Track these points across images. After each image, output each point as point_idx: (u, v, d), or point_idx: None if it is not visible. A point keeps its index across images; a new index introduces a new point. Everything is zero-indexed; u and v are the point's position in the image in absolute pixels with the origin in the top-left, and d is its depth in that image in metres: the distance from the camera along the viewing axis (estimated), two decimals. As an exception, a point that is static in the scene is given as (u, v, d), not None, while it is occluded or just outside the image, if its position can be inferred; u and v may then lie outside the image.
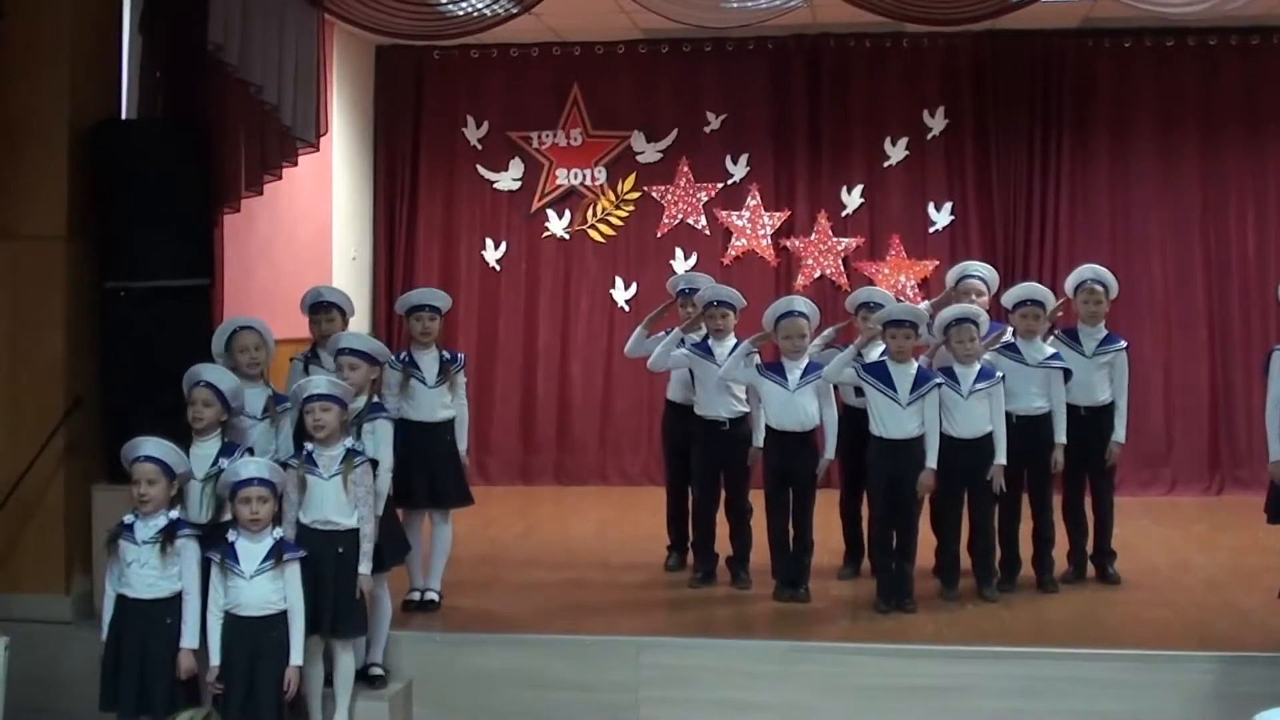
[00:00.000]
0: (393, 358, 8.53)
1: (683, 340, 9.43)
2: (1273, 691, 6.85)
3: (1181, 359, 13.37)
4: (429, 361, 8.70)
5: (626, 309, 13.69)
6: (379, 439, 7.76)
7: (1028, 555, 9.33)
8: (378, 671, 7.84)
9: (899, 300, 10.54)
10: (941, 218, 13.58)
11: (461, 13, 9.15)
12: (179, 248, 8.70)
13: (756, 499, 9.24)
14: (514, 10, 9.03)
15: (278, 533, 7.03)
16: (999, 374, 8.87)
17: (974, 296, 9.40)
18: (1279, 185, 13.36)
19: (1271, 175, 13.37)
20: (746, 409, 9.27)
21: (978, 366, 8.82)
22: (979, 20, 9.29)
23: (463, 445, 8.84)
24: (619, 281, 13.88)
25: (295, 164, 9.69)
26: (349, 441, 7.37)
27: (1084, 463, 9.39)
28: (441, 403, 8.68)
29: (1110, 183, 13.50)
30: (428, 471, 8.40)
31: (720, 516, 9.43)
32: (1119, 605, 9.04)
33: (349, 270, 13.36)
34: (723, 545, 9.45)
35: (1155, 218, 13.43)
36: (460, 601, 8.94)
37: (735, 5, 9.24)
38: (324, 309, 8.69)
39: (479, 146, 14.06)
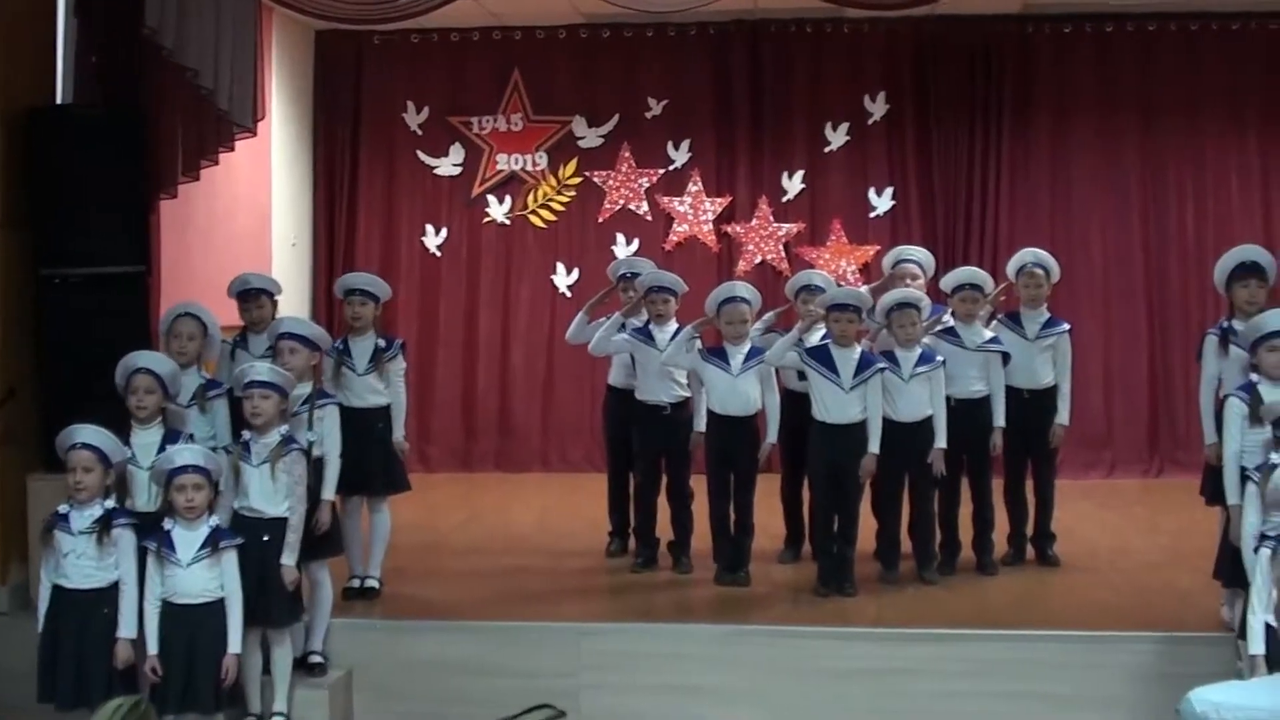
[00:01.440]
0: (332, 343, 8.49)
1: (624, 325, 9.42)
2: (1210, 670, 6.89)
3: (1121, 342, 13.47)
4: (362, 348, 8.66)
5: (568, 295, 13.63)
6: (327, 426, 7.75)
7: (968, 538, 9.37)
8: (317, 659, 7.81)
9: (839, 285, 10.56)
10: (882, 203, 13.60)
11: (401, -4, 9.09)
12: (115, 234, 8.60)
13: (698, 484, 9.24)
14: (454, -6, 8.98)
15: (214, 520, 6.97)
16: (939, 358, 8.90)
17: (909, 281, 9.44)
18: (1217, 171, 13.47)
19: (1210, 161, 13.47)
20: (688, 394, 9.27)
21: (918, 350, 8.84)
22: (919, 5, 9.30)
23: (398, 433, 8.78)
24: (560, 267, 13.83)
25: (232, 149, 9.62)
26: (284, 429, 7.31)
27: (1026, 446, 9.45)
28: (372, 389, 8.64)
29: (1050, 167, 13.57)
30: (359, 458, 8.26)
31: (662, 501, 9.44)
32: (1059, 587, 9.11)
33: (288, 256, 13.27)
34: (664, 530, 9.46)
35: (1095, 202, 13.51)
36: (401, 589, 8.91)
37: (676, -10, 9.21)
38: (252, 295, 8.68)
39: (419, 132, 13.99)
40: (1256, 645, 6.42)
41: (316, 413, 7.69)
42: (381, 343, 8.76)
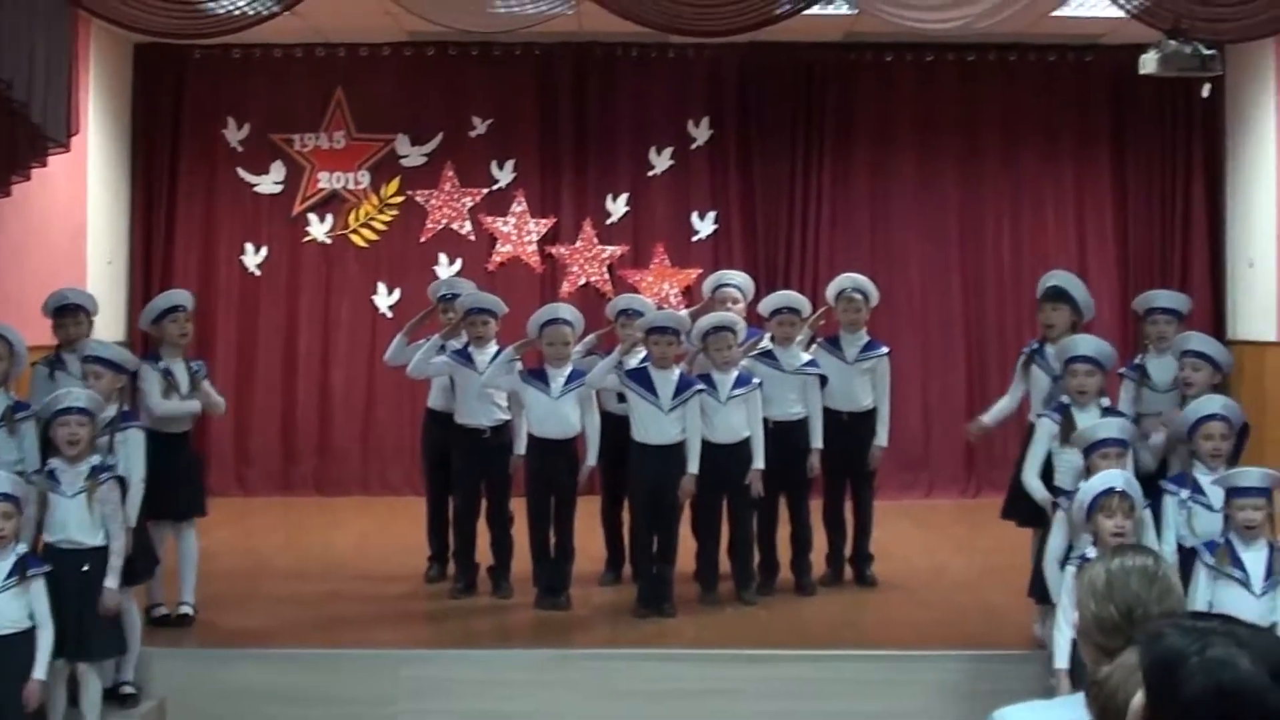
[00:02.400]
0: (141, 365, 8.32)
1: (443, 347, 9.35)
2: (1024, 687, 6.99)
3: (939, 365, 13.71)
4: (181, 370, 8.52)
5: (389, 315, 13.50)
6: (130, 449, 7.58)
7: (786, 559, 9.45)
8: (129, 690, 7.62)
9: (660, 308, 10.61)
10: (705, 226, 13.70)
11: (222, 10, 8.96)
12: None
13: (518, 507, 9.19)
14: (275, 9, 8.86)
15: (21, 548, 6.76)
16: (756, 380, 8.96)
17: (729, 305, 9.50)
18: (1033, 197, 13.78)
19: (1026, 187, 13.79)
20: (508, 416, 9.23)
21: (735, 373, 8.90)
22: (742, 32, 9.38)
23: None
24: (381, 287, 13.72)
25: (45, 164, 9.41)
26: (95, 458, 7.13)
27: (845, 467, 9.58)
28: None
29: (870, 193, 13.78)
30: (166, 482, 8.07)
31: (481, 525, 9.38)
32: (875, 607, 9.24)
33: (104, 275, 12.97)
34: (484, 555, 9.40)
35: (914, 227, 13.75)
36: (217, 616, 8.76)
37: (501, 10, 9.20)
38: (69, 311, 8.48)
39: (240, 149, 13.79)
40: (1061, 660, 6.57)
41: (118, 436, 7.51)
42: (191, 363, 8.65)
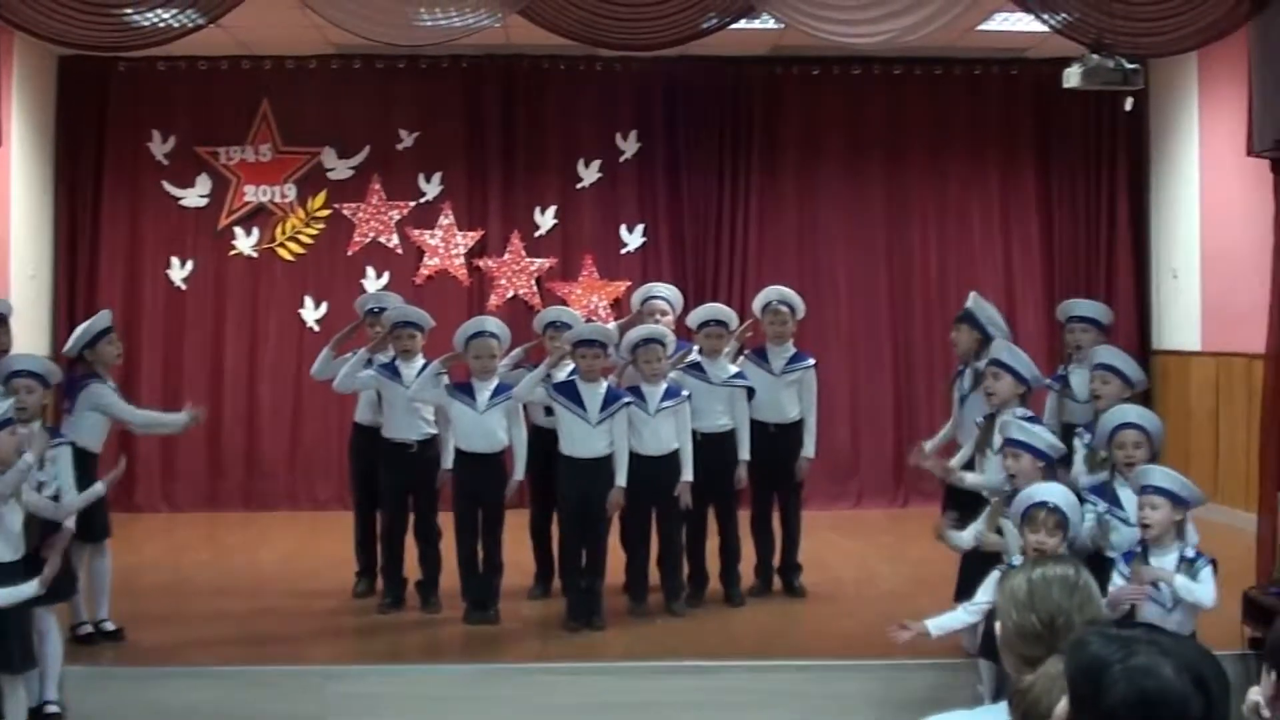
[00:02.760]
0: (91, 384, 8.28)
1: (370, 361, 9.30)
2: (952, 695, 7.07)
3: (867, 376, 13.78)
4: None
5: (316, 329, 13.43)
6: (61, 467, 7.51)
7: (715, 570, 9.46)
8: (53, 709, 7.48)
9: (589, 320, 10.61)
10: (633, 239, 13.73)
11: (147, 23, 8.83)
12: None
13: (446, 521, 9.16)
14: (201, 22, 8.77)
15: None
16: (685, 393, 8.98)
17: (658, 317, 9.52)
18: (959, 210, 13.90)
19: (952, 201, 13.90)
20: (435, 430, 9.21)
21: (664, 386, 8.90)
22: (669, 46, 9.38)
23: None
24: (309, 301, 13.65)
25: (-36, 178, 9.32)
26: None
27: (773, 478, 9.60)
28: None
29: (798, 206, 13.85)
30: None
31: (409, 540, 9.33)
32: (804, 617, 9.27)
33: (27, 288, 12.82)
34: (412, 569, 9.35)
35: (841, 239, 13.83)
36: (142, 634, 8.65)
37: (428, 23, 9.13)
38: None
39: (165, 162, 13.68)
40: (934, 628, 6.81)
41: (49, 453, 7.43)
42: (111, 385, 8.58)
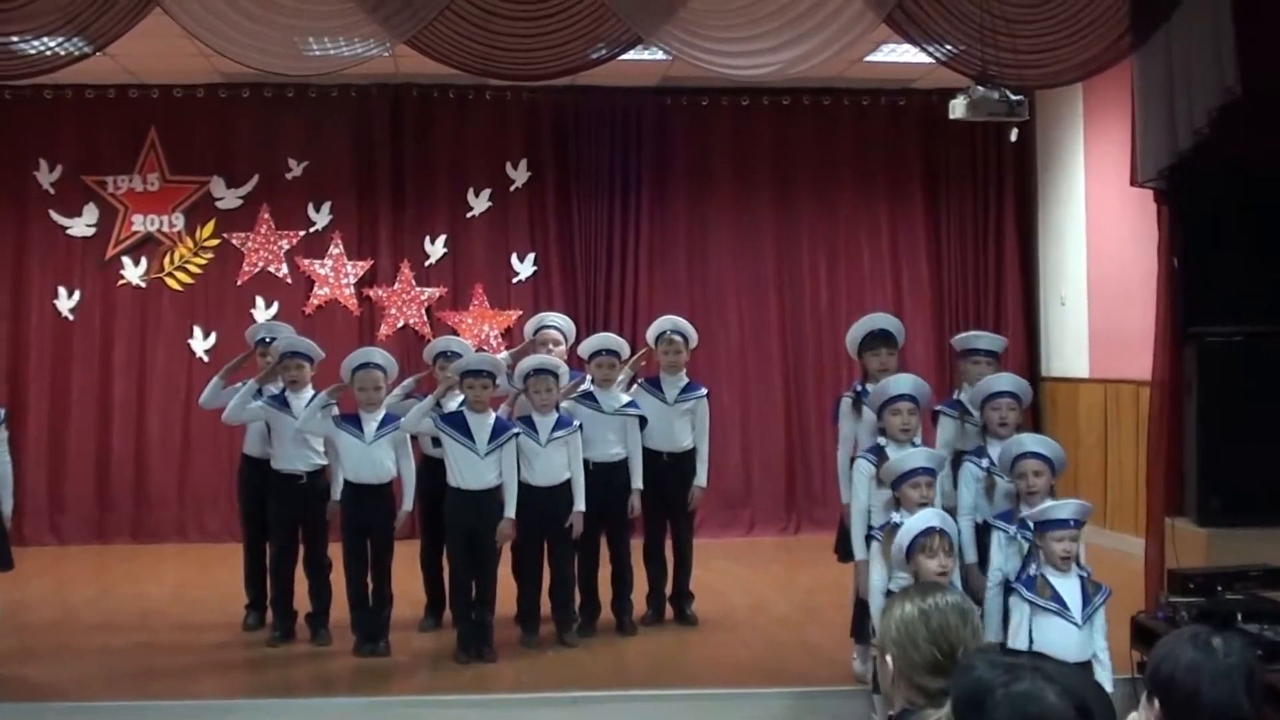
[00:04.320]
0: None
1: (259, 391, 9.23)
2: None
3: (758, 405, 13.85)
4: None
5: (206, 359, 13.28)
6: None
7: (607, 599, 9.45)
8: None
9: (480, 350, 10.58)
10: (525, 268, 13.72)
11: (33, 51, 8.71)
12: None
13: (335, 553, 9.10)
14: (88, 50, 8.66)
15: None
16: (576, 422, 8.98)
17: (551, 346, 9.52)
18: (848, 240, 14.03)
19: (841, 230, 14.03)
20: (324, 462, 9.14)
21: (555, 415, 8.89)
22: (558, 76, 9.39)
23: (8, 506, 8.44)
24: (198, 331, 13.51)
25: None
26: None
27: (665, 506, 9.61)
28: None
29: (688, 235, 13.91)
30: None
31: (299, 572, 9.26)
32: (697, 646, 9.25)
33: (-92, 320, 12.66)
34: (301, 602, 9.27)
35: (732, 269, 13.90)
36: (24, 670, 8.54)
37: (316, 52, 9.09)
38: None
39: (51, 190, 13.50)
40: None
41: None
42: None
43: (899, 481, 7.12)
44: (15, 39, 8.49)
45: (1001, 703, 2.65)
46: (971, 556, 7.45)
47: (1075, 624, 6.51)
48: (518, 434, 8.71)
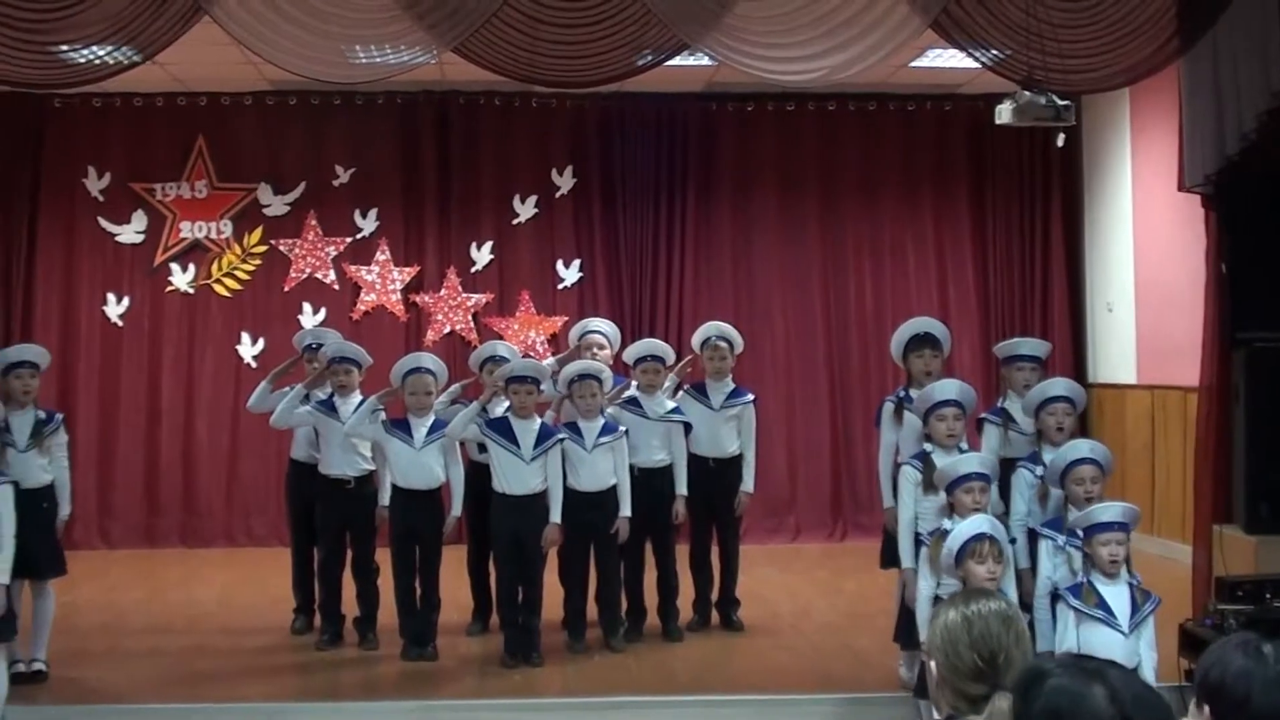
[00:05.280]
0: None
1: (307, 397, 9.29)
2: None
3: (804, 411, 13.83)
4: (22, 423, 8.36)
5: (253, 365, 13.38)
6: (1, 506, 7.42)
7: (653, 605, 9.46)
8: (-9, 749, 7.46)
9: (526, 356, 10.61)
10: (570, 274, 13.75)
11: (82, 60, 8.77)
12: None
13: (383, 557, 9.14)
14: (137, 59, 8.71)
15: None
16: (622, 428, 8.99)
17: (596, 351, 9.54)
18: (894, 246, 13.99)
19: (887, 236, 14.00)
20: (372, 467, 9.20)
21: (601, 421, 8.91)
22: (604, 83, 9.41)
23: (64, 510, 8.50)
24: (245, 337, 13.60)
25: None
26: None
27: (711, 513, 9.61)
28: (36, 466, 8.35)
29: (733, 240, 13.91)
30: (24, 539, 7.87)
31: (347, 576, 9.31)
32: (742, 652, 9.25)
33: (-40, 326, 12.78)
34: (349, 606, 9.32)
35: (777, 274, 13.89)
36: (76, 672, 8.60)
37: (363, 60, 9.13)
38: None
39: (101, 198, 13.62)
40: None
41: None
42: (41, 414, 8.50)
43: (953, 486, 7.10)
44: (65, 48, 8.55)
45: (1048, 691, 2.68)
46: (1025, 563, 7.40)
47: (1121, 632, 6.46)
48: (563, 439, 8.74)
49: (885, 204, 14.05)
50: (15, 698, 7.89)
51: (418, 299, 13.68)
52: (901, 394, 8.51)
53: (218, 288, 13.65)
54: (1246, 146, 8.26)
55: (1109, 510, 6.67)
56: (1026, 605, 6.87)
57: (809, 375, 13.90)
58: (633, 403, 9.32)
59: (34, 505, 8.12)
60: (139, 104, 13.56)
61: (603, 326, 9.97)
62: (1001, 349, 8.86)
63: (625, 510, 8.92)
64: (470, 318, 13.64)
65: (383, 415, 8.95)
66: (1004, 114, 8.37)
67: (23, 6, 8.23)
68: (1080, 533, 6.77)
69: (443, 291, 13.65)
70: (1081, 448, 7.33)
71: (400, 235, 13.77)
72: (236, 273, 13.65)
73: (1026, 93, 8.23)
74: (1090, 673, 2.74)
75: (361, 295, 13.68)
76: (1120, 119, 13.01)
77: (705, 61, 10.82)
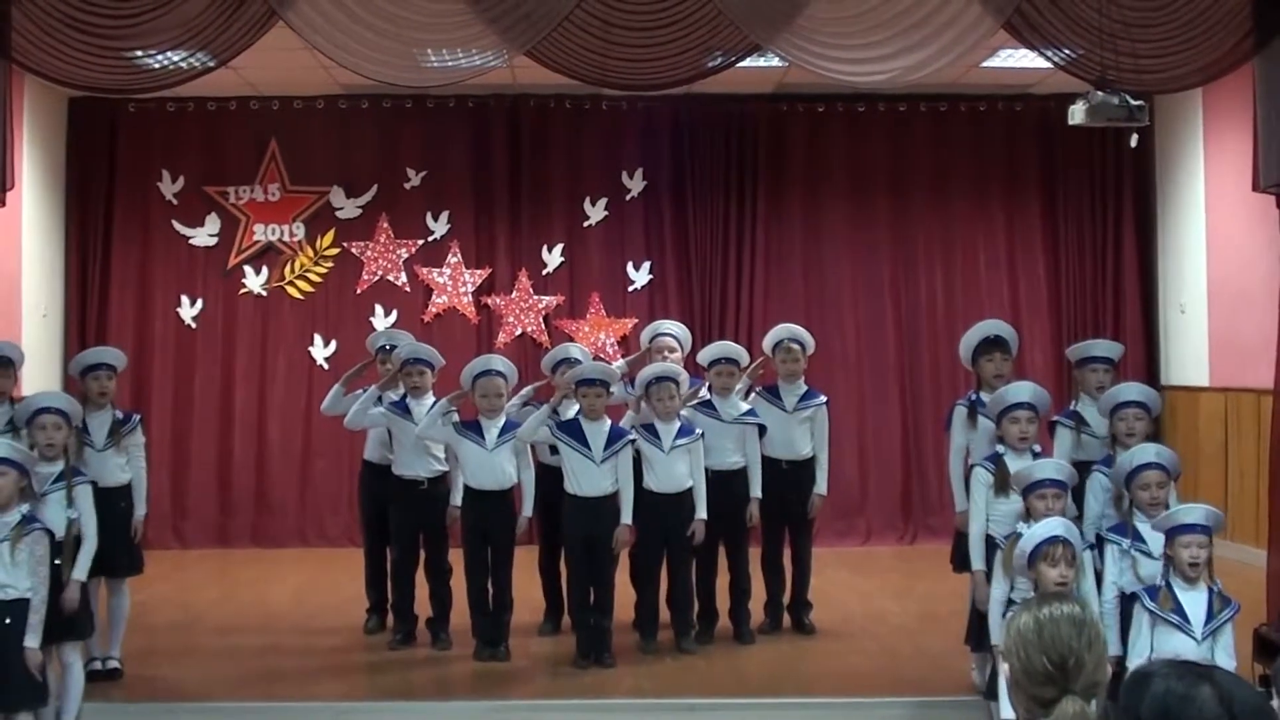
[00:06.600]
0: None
1: (380, 398, 9.34)
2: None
3: (875, 413, 13.79)
4: (100, 422, 8.45)
5: (326, 367, 13.50)
6: (82, 504, 7.51)
7: (725, 607, 9.45)
8: (72, 745, 7.53)
9: (597, 358, 10.63)
10: (640, 276, 13.77)
11: (156, 65, 8.87)
12: None
13: (455, 558, 9.17)
14: (210, 64, 8.80)
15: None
16: (699, 430, 8.99)
17: (666, 354, 9.55)
18: (965, 245, 13.92)
19: (958, 236, 13.92)
20: (445, 468, 9.24)
21: (677, 423, 8.92)
22: (675, 86, 9.41)
23: (140, 510, 8.58)
24: (318, 339, 13.70)
25: (-21, 218, 9.35)
26: (25, 508, 7.03)
27: (785, 515, 9.59)
28: (114, 465, 8.44)
29: (804, 242, 13.88)
30: (100, 538, 7.94)
31: (419, 577, 9.35)
32: (814, 654, 9.23)
33: (39, 327, 12.90)
34: (422, 606, 9.37)
35: (847, 276, 13.87)
36: (153, 670, 8.69)
37: (435, 64, 9.19)
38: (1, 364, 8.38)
39: (175, 201, 13.76)
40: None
41: (75, 490, 7.48)
42: (119, 414, 8.58)
43: (1028, 491, 7.05)
44: (140, 54, 8.65)
45: (1156, 692, 2.69)
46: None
47: (1194, 639, 6.39)
48: (633, 441, 8.76)
49: (956, 205, 13.98)
50: (91, 694, 7.96)
51: (489, 301, 13.73)
52: (974, 397, 8.48)
53: (290, 290, 13.75)
54: (1323, 146, 8.18)
55: (1191, 512, 6.60)
56: None
57: (879, 377, 13.86)
58: (707, 405, 9.32)
59: (111, 504, 8.20)
60: (212, 108, 13.68)
61: (674, 329, 9.98)
62: (1074, 351, 8.80)
63: (701, 513, 8.92)
64: (541, 320, 13.69)
65: (455, 417, 9.00)
66: (1077, 114, 8.33)
67: (98, 13, 8.34)
68: (1140, 537, 6.75)
69: (514, 294, 13.70)
70: (1147, 452, 7.27)
71: (471, 238, 13.83)
72: (309, 275, 13.76)
73: (1099, 93, 8.18)
74: (1198, 674, 2.74)
75: (433, 297, 13.74)
76: (1193, 118, 12.91)
77: (775, 63, 10.83)
